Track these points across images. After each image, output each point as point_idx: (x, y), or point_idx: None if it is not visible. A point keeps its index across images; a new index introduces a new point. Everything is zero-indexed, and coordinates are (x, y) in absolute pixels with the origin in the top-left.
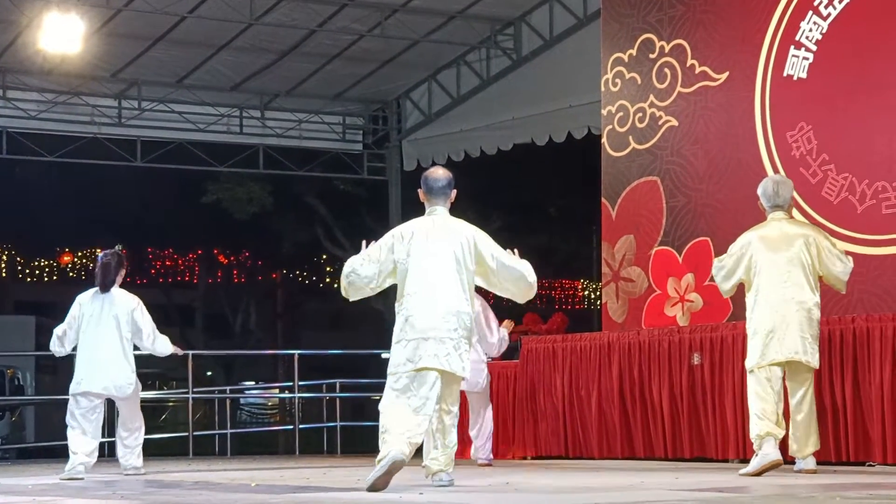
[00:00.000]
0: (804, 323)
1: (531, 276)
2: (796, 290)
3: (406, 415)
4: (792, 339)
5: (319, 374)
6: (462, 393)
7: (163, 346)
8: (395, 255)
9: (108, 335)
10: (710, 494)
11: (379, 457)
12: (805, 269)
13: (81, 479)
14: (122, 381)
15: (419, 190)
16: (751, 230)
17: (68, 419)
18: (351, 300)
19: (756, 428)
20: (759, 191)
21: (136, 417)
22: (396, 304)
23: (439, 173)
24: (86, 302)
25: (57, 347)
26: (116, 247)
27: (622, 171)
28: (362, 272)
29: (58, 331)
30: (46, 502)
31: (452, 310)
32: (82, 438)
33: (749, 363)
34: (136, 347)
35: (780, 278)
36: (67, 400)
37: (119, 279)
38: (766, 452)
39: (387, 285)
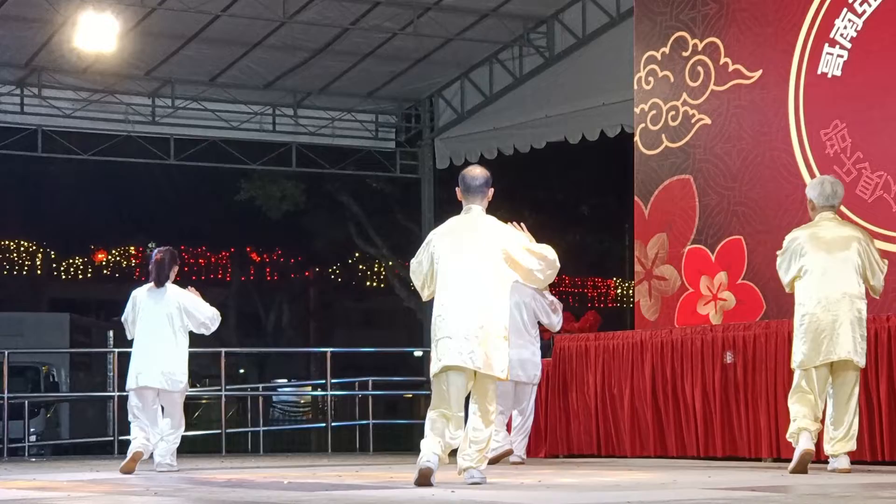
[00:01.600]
0: (855, 323)
1: (552, 256)
2: (850, 290)
3: (438, 418)
4: (845, 339)
5: (352, 372)
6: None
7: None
8: (433, 252)
9: (162, 330)
10: (742, 493)
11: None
12: (857, 272)
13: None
14: (176, 376)
15: (457, 188)
16: (801, 228)
17: (130, 415)
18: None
19: (795, 423)
20: (815, 191)
21: (180, 415)
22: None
23: (476, 172)
24: (141, 297)
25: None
26: (150, 245)
27: (655, 170)
28: (414, 279)
29: (124, 320)
30: (81, 498)
31: (482, 307)
32: (145, 430)
33: (798, 361)
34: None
35: (834, 278)
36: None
37: (173, 275)
38: (803, 446)
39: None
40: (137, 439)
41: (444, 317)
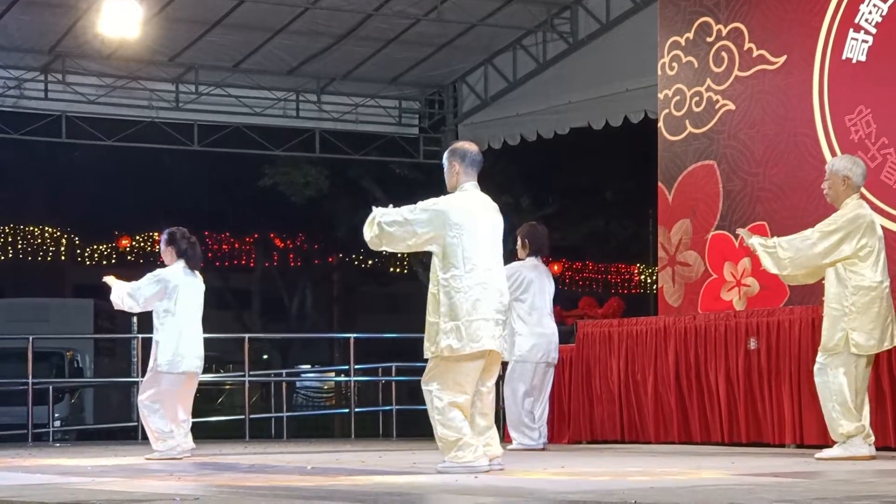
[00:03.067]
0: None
1: None
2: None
3: (465, 409)
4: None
5: (375, 358)
6: None
7: None
8: (449, 224)
9: (197, 314)
10: (767, 479)
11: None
12: None
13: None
14: (203, 361)
15: (454, 162)
16: (860, 206)
17: (160, 402)
18: (376, 250)
19: (851, 423)
20: (857, 169)
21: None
22: (447, 277)
23: (476, 148)
24: (180, 277)
25: (129, 302)
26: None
27: (679, 155)
28: (418, 229)
29: (146, 291)
30: (105, 483)
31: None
32: (180, 415)
33: (870, 345)
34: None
35: (886, 263)
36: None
37: None
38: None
39: (424, 249)
40: (176, 437)
41: (480, 299)
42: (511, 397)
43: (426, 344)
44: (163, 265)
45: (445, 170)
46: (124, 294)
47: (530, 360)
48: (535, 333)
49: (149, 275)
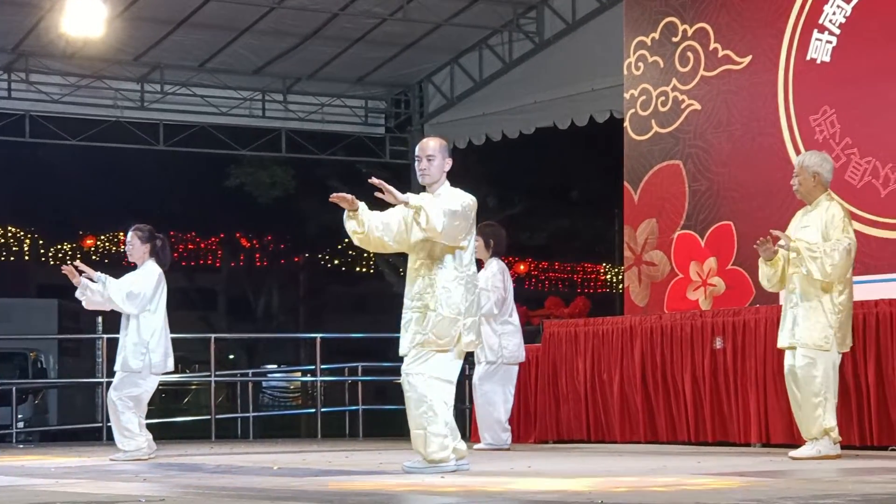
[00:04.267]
0: None
1: None
2: None
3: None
4: None
5: (342, 358)
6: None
7: None
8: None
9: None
10: (732, 478)
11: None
12: None
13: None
14: None
15: (448, 159)
16: (835, 201)
17: (140, 404)
18: (365, 249)
19: (833, 420)
20: (826, 165)
21: None
22: (469, 273)
23: None
24: (161, 279)
25: (129, 307)
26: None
27: (644, 155)
28: (471, 221)
29: (138, 287)
30: (70, 485)
31: None
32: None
33: (848, 345)
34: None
35: None
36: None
37: None
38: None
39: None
40: (143, 437)
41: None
42: (499, 398)
43: (432, 337)
44: (128, 264)
45: (437, 162)
46: (122, 296)
47: (519, 360)
48: (520, 332)
49: (146, 276)
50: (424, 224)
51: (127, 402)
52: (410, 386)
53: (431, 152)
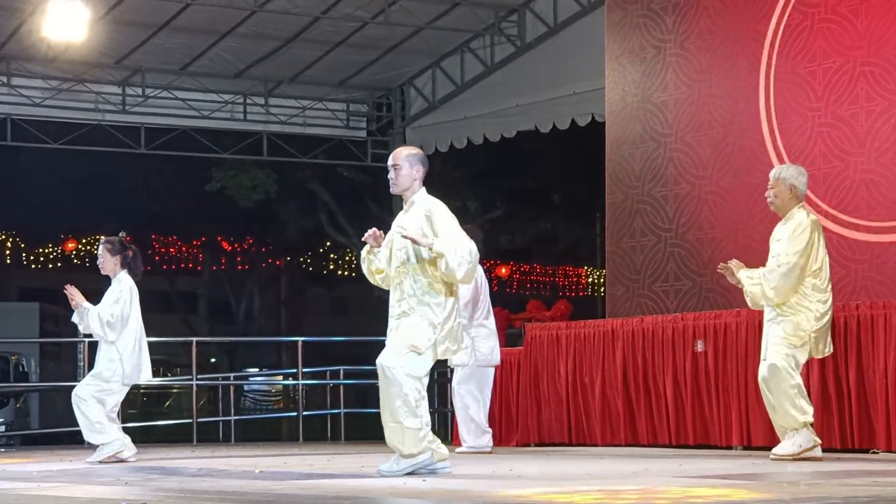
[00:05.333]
0: None
1: None
2: None
3: None
4: None
5: (323, 361)
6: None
7: None
8: None
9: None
10: (714, 481)
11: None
12: None
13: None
14: None
15: (420, 168)
16: (808, 213)
17: (116, 407)
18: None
19: (810, 414)
20: (804, 178)
21: None
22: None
23: None
24: (134, 290)
25: (112, 334)
26: (120, 234)
27: (626, 158)
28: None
29: (115, 315)
30: (51, 489)
31: None
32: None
33: (822, 352)
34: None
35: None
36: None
37: None
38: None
39: None
40: (125, 439)
41: None
42: (471, 399)
43: (448, 345)
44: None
45: (404, 171)
46: (101, 325)
47: (493, 363)
48: (495, 336)
49: (115, 297)
50: (444, 269)
51: (94, 396)
52: (388, 379)
53: (397, 161)
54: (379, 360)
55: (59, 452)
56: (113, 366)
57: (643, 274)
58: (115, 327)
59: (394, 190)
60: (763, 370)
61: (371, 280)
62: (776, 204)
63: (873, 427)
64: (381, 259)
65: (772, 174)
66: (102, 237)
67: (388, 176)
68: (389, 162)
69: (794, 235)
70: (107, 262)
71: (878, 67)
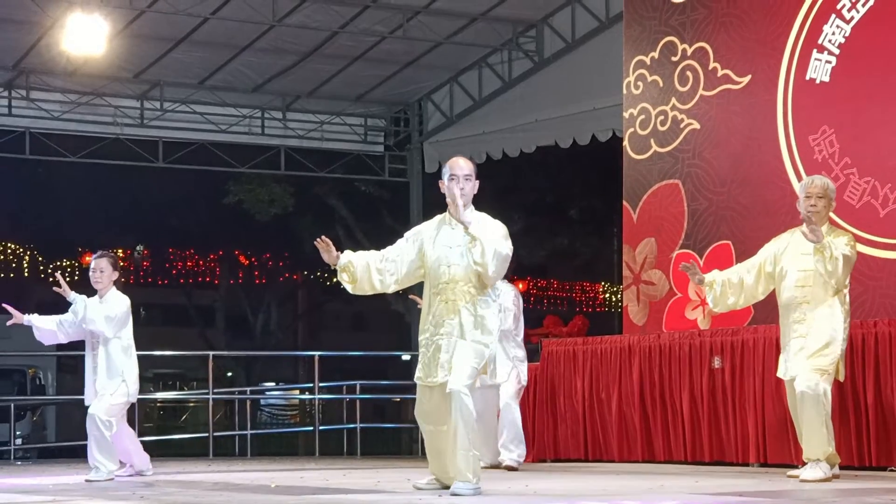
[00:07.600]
0: None
1: None
2: None
3: None
4: None
5: (340, 376)
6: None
7: None
8: None
9: None
10: (730, 499)
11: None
12: None
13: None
14: None
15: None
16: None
17: (114, 428)
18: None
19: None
20: (832, 194)
21: None
22: (494, 297)
23: None
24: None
25: (109, 330)
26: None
27: (644, 174)
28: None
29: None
30: (67, 502)
31: None
32: None
33: (839, 373)
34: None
35: None
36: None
37: None
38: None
39: None
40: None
41: None
42: (517, 418)
43: (474, 366)
44: (126, 283)
45: (473, 183)
46: (103, 317)
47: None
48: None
49: (119, 302)
50: (479, 258)
51: (112, 421)
52: (464, 405)
53: (470, 172)
54: (451, 385)
55: (75, 466)
56: (121, 384)
57: (660, 290)
58: (112, 324)
59: (460, 201)
60: (802, 386)
61: (366, 291)
62: (821, 214)
63: (891, 445)
64: (353, 272)
65: (818, 184)
66: (98, 251)
67: (457, 185)
68: (463, 171)
69: (837, 241)
70: (105, 276)
71: None
